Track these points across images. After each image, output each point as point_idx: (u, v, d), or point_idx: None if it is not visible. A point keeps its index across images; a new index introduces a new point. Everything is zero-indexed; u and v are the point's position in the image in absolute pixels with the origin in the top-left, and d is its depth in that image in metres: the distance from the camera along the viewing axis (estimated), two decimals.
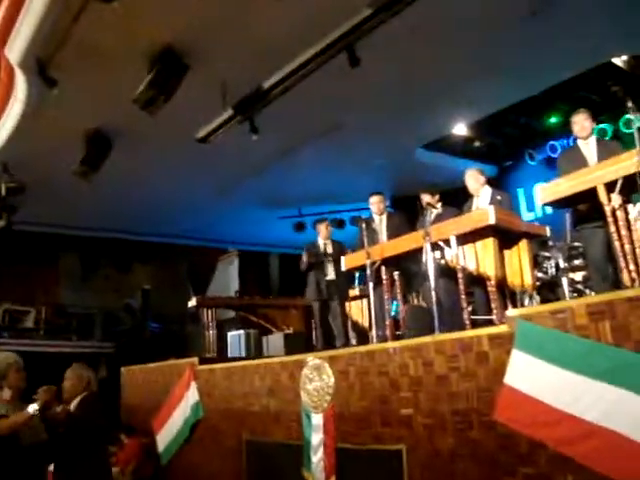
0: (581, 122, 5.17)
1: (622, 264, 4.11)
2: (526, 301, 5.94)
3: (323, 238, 7.67)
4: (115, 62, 6.44)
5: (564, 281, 6.40)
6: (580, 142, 5.22)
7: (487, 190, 5.98)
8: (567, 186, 4.46)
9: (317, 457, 5.18)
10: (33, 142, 7.85)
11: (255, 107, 6.83)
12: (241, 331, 8.39)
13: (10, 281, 13.56)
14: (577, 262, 6.69)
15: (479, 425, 4.04)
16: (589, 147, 5.13)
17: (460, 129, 9.84)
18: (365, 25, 5.74)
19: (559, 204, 4.77)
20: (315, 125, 8.58)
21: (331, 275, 7.40)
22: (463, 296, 4.95)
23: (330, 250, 7.52)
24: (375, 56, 6.25)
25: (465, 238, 5.03)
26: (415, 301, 6.40)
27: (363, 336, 8.18)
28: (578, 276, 6.65)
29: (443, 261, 5.34)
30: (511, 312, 4.04)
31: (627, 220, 4.29)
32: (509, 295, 5.40)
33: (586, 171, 4.41)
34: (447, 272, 5.44)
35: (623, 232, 4.23)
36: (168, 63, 6.14)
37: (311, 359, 5.48)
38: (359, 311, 8.19)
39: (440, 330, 4.84)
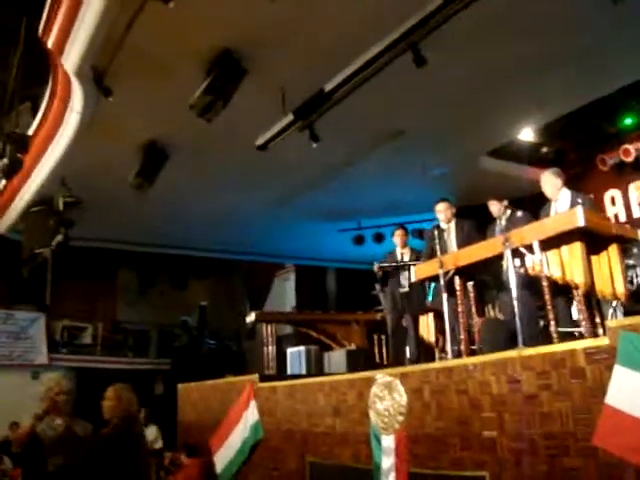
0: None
1: None
2: (609, 312, 5.45)
3: (400, 247, 7.34)
4: (171, 68, 6.30)
5: None
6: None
7: (566, 193, 5.51)
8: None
9: None
10: (89, 155, 7.76)
11: (316, 112, 6.56)
12: (301, 347, 8.07)
13: (68, 296, 13.68)
14: None
15: (576, 451, 3.60)
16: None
17: (526, 134, 9.37)
18: (431, 20, 5.41)
19: None
20: (376, 132, 8.27)
21: (405, 287, 7.03)
22: (549, 307, 4.50)
23: (407, 259, 7.15)
24: (440, 58, 5.92)
25: (549, 243, 4.59)
26: (491, 313, 5.97)
27: (429, 352, 7.78)
28: None
29: (522, 269, 4.91)
30: (613, 323, 3.59)
31: None
32: (595, 306, 4.93)
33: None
34: (526, 281, 5.02)
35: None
36: (225, 67, 5.92)
37: (381, 376, 5.11)
38: (425, 325, 7.80)
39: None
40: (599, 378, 3.54)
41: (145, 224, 11.07)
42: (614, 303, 5.44)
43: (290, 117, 6.58)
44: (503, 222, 6.09)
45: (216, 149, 8.24)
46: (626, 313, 5.51)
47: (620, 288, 4.60)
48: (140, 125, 7.50)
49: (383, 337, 8.75)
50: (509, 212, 6.12)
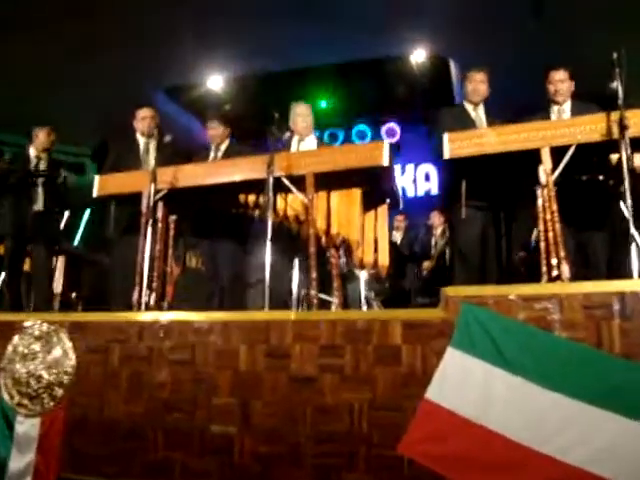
0: (478, 83, 4.07)
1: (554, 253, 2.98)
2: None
3: (38, 149, 5.12)
4: None
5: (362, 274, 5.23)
6: (467, 106, 4.10)
7: (313, 138, 4.52)
8: (498, 140, 3.19)
9: None
10: None
11: None
12: None
13: None
14: None
15: (368, 463, 2.47)
16: (478, 113, 4.05)
17: (216, 83, 8.22)
18: None
19: (465, 164, 3.44)
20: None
21: (39, 205, 4.95)
22: (313, 262, 3.31)
23: (43, 167, 5.02)
24: None
25: (321, 180, 3.44)
26: (193, 263, 4.53)
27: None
28: None
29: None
30: (451, 290, 2.58)
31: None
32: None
33: (534, 126, 3.19)
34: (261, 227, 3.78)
35: (548, 215, 3.13)
36: None
37: (33, 323, 3.25)
38: (60, 267, 6.11)
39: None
40: (420, 364, 2.50)
41: None
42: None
43: None
44: (220, 152, 4.74)
45: None
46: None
47: (385, 259, 3.69)
48: None
49: None
50: (229, 141, 4.82)
